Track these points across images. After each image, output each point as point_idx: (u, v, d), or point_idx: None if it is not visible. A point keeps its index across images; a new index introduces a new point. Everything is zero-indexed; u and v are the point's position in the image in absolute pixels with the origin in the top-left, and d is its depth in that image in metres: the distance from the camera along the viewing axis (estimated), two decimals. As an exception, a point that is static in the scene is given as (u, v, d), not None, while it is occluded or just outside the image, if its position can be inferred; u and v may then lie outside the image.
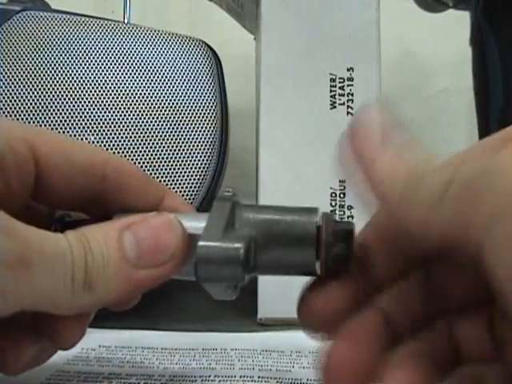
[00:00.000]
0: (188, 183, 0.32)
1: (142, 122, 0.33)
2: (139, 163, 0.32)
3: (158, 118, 0.33)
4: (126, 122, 0.32)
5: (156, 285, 0.19)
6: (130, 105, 0.33)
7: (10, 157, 0.19)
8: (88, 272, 0.17)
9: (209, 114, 0.34)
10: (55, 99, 0.32)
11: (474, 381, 0.17)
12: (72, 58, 0.33)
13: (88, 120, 0.32)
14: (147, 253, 0.18)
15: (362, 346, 0.17)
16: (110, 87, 0.33)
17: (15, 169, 0.19)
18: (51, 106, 0.32)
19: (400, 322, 0.18)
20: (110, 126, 0.32)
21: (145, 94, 0.33)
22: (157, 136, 0.32)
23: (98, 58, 0.34)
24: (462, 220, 0.14)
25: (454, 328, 0.18)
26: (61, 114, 0.32)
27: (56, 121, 0.32)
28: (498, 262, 0.13)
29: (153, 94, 0.33)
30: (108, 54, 0.34)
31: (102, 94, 0.33)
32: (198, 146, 0.33)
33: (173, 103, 0.33)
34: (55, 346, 0.20)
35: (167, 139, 0.32)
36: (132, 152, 0.32)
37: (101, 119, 0.32)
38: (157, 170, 0.32)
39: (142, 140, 0.32)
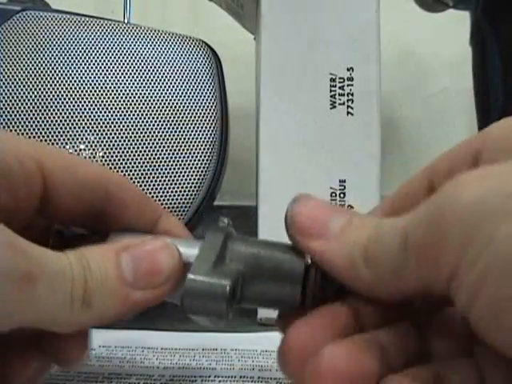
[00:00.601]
0: (188, 183, 0.32)
1: (142, 122, 0.33)
2: (139, 163, 0.32)
3: (157, 118, 0.33)
4: (125, 122, 0.32)
5: (149, 306, 0.19)
6: (130, 105, 0.33)
7: (19, 174, 0.19)
8: (87, 290, 0.18)
9: (209, 114, 0.34)
10: (55, 99, 0.32)
11: (437, 378, 0.17)
12: (72, 58, 0.33)
13: (88, 120, 0.32)
14: (143, 274, 0.19)
15: (322, 329, 0.17)
16: (110, 87, 0.33)
17: (24, 185, 0.19)
18: (51, 106, 0.32)
19: (368, 317, 0.18)
20: (110, 126, 0.32)
21: (145, 93, 0.33)
22: (157, 136, 0.32)
23: (98, 57, 0.34)
24: (427, 277, 0.15)
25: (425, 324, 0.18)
26: (61, 113, 0.32)
27: (56, 121, 0.32)
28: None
29: (153, 93, 0.33)
30: (108, 54, 0.34)
31: (102, 94, 0.33)
32: (197, 145, 0.33)
33: (173, 103, 0.33)
34: (57, 364, 0.21)
35: (167, 139, 0.32)
36: (132, 152, 0.32)
37: (101, 119, 0.32)
38: (157, 170, 0.32)
39: (141, 140, 0.32)
